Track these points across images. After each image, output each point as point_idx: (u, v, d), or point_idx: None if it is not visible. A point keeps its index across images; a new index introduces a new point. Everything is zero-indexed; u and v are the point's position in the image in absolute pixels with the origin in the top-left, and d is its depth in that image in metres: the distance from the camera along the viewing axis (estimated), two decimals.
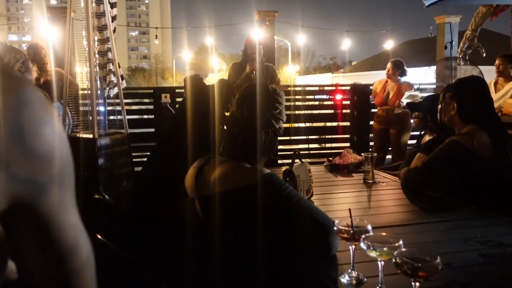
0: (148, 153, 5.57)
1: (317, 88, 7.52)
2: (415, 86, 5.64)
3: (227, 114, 2.07)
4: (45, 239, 0.52)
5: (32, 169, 0.46)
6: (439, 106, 2.23)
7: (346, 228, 1.18)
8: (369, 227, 1.18)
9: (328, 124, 6.61)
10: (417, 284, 0.94)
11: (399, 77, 4.99)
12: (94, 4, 3.92)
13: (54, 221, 0.52)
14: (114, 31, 4.34)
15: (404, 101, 4.81)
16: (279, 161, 4.73)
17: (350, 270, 1.19)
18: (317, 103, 6.68)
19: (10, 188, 0.45)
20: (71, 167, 0.53)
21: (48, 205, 0.50)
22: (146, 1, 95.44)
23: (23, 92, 0.45)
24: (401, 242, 1.04)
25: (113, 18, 4.37)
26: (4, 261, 0.52)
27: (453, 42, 6.67)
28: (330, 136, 6.55)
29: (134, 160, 4.38)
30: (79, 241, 0.56)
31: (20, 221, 0.49)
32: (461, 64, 6.65)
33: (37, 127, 0.46)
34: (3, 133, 0.43)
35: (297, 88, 6.67)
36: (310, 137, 6.25)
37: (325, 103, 6.49)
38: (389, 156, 5.35)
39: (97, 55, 4.09)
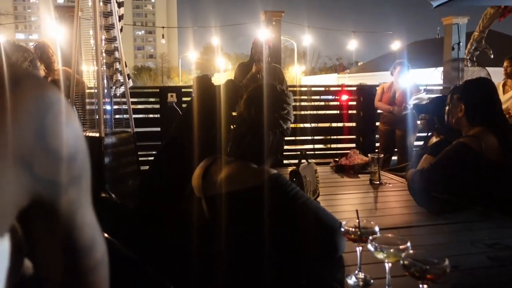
0: (154, 152, 5.62)
1: (323, 89, 7.50)
2: (422, 88, 5.62)
3: (234, 114, 2.08)
4: (63, 237, 0.54)
5: (53, 170, 0.48)
6: (447, 108, 2.22)
7: (353, 229, 1.17)
8: (377, 229, 1.17)
9: (334, 124, 6.60)
10: (425, 286, 0.93)
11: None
12: (101, 3, 3.93)
13: (72, 220, 0.53)
14: (121, 30, 4.36)
15: (411, 103, 4.80)
16: (285, 161, 4.73)
17: (357, 272, 1.19)
18: (322, 103, 6.67)
19: (31, 187, 0.46)
20: (88, 166, 0.54)
21: (67, 204, 0.51)
22: (153, 1, 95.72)
23: (46, 94, 0.47)
24: (408, 244, 1.03)
25: (120, 17, 4.38)
26: (21, 258, 0.53)
27: (461, 43, 6.64)
28: (336, 137, 6.54)
29: (139, 159, 4.39)
30: (95, 239, 0.58)
31: (38, 220, 0.51)
32: (469, 65, 6.61)
33: (59, 128, 0.47)
34: (27, 134, 0.44)
35: (303, 89, 6.66)
36: (316, 137, 6.24)
37: (331, 103, 6.48)
38: (394, 157, 5.33)
39: (104, 54, 4.10)
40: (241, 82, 3.89)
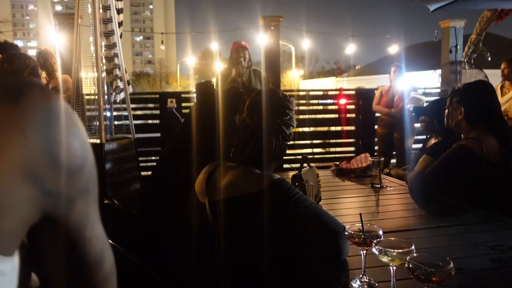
0: (154, 158, 5.62)
1: (321, 93, 7.53)
2: (420, 91, 5.65)
3: (236, 119, 2.09)
4: (72, 251, 0.52)
5: (62, 183, 0.46)
6: (446, 111, 2.23)
7: (358, 233, 1.18)
8: (381, 232, 1.18)
9: (333, 128, 6.61)
10: None
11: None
12: (101, 10, 3.95)
13: (81, 233, 0.51)
14: (120, 36, 4.37)
15: (408, 103, 4.83)
16: (284, 166, 4.73)
17: (361, 275, 1.20)
18: (321, 107, 6.69)
19: (41, 202, 0.45)
20: (96, 178, 0.52)
21: (76, 217, 0.50)
22: (151, 7, 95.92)
23: (52, 105, 0.45)
24: (413, 247, 1.04)
25: (120, 24, 4.40)
26: (29, 273, 0.52)
27: (458, 46, 6.66)
28: (335, 141, 6.56)
29: (140, 165, 4.40)
30: (104, 252, 0.56)
31: (46, 234, 0.49)
32: (466, 68, 6.64)
33: (66, 141, 0.46)
34: (34, 147, 0.42)
35: (301, 93, 6.67)
36: (315, 141, 6.25)
37: (330, 107, 6.50)
38: (393, 160, 5.35)
39: (104, 61, 4.12)
40: (222, 87, 3.86)
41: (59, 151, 0.45)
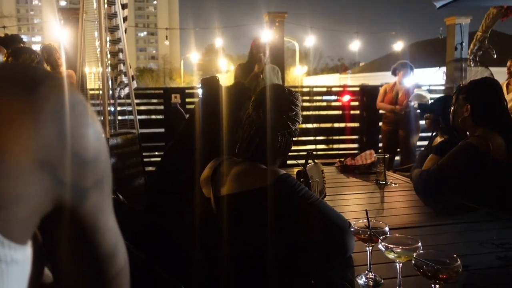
0: (158, 153, 5.63)
1: (325, 89, 7.51)
2: (425, 88, 5.62)
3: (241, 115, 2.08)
4: (85, 244, 0.51)
5: (77, 174, 0.46)
6: (452, 108, 2.22)
7: (364, 229, 1.18)
8: (387, 229, 1.18)
9: (336, 125, 6.60)
10: (437, 286, 0.93)
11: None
12: (106, 5, 3.95)
13: (94, 225, 0.51)
14: (125, 31, 4.38)
15: (412, 100, 4.80)
16: (288, 162, 4.73)
17: (367, 272, 1.19)
18: (324, 104, 6.68)
19: (55, 192, 0.45)
20: (110, 170, 0.52)
21: (89, 209, 0.49)
22: (155, 2, 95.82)
23: (68, 96, 0.45)
24: (419, 244, 1.04)
25: (124, 19, 4.40)
26: (42, 266, 0.51)
27: (463, 44, 6.63)
28: (338, 137, 6.55)
29: (144, 160, 4.40)
30: (117, 245, 0.55)
31: (59, 226, 0.49)
32: (472, 65, 6.60)
33: (81, 131, 0.46)
34: (49, 137, 0.43)
35: (304, 89, 6.66)
36: (319, 137, 6.24)
37: (333, 104, 6.49)
38: (397, 158, 5.33)
39: (108, 56, 4.12)
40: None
41: (73, 142, 0.45)
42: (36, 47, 4.16)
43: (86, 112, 0.47)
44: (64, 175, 0.45)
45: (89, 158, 0.47)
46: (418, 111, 4.65)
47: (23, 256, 0.44)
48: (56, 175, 0.44)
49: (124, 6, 4.41)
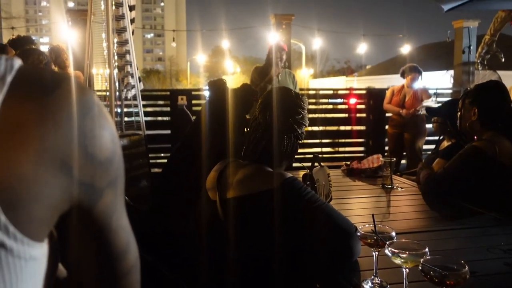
0: (164, 155, 5.64)
1: (331, 92, 7.50)
2: (432, 91, 5.59)
3: (247, 117, 2.08)
4: (99, 242, 0.53)
5: (93, 173, 0.48)
6: (459, 113, 2.20)
7: (370, 234, 1.17)
8: (393, 234, 1.17)
9: (342, 128, 6.58)
10: None
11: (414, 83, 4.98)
12: (113, 7, 3.97)
13: (108, 224, 0.53)
14: (132, 33, 4.40)
15: (420, 110, 4.80)
16: (294, 164, 4.72)
17: (373, 277, 1.19)
18: (331, 106, 6.66)
19: (71, 192, 0.46)
20: (123, 170, 0.54)
21: (103, 208, 0.51)
22: (162, 4, 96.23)
23: (85, 98, 0.47)
24: (426, 249, 1.03)
25: (132, 21, 4.42)
26: (57, 262, 0.53)
27: (471, 47, 6.60)
28: (344, 140, 6.53)
29: (150, 161, 4.41)
30: (129, 244, 0.57)
31: (74, 224, 0.51)
32: (479, 69, 6.57)
33: (97, 133, 0.47)
34: (67, 138, 0.44)
35: (311, 92, 6.65)
36: (325, 140, 6.23)
37: (340, 107, 6.48)
38: (403, 161, 5.31)
39: (116, 57, 4.14)
40: (258, 86, 3.95)
41: (90, 143, 0.46)
42: (44, 48, 4.18)
43: (102, 114, 0.49)
44: (80, 175, 0.46)
45: (104, 158, 0.49)
46: (425, 113, 4.65)
47: (40, 253, 0.45)
48: (73, 175, 0.45)
49: (131, 8, 4.43)
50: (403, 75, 5.05)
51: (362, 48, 8.29)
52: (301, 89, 7.03)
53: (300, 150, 1.57)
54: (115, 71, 4.16)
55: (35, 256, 0.44)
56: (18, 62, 0.45)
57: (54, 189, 0.44)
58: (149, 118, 5.67)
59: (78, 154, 0.45)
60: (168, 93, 5.96)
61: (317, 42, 9.34)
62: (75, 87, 0.46)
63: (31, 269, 0.44)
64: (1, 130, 0.41)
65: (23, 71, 0.45)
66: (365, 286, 1.18)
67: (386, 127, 5.46)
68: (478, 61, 6.61)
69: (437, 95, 5.97)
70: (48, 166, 0.43)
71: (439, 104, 4.57)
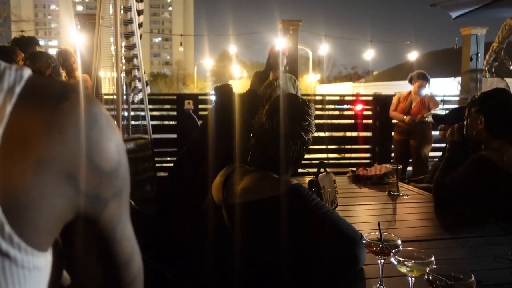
0: (170, 159, 5.65)
1: (337, 98, 7.49)
2: (439, 98, 5.57)
3: (254, 123, 2.09)
4: (103, 252, 0.54)
5: (98, 186, 0.48)
6: (465, 122, 2.19)
7: (376, 242, 1.16)
8: (399, 242, 1.16)
9: (348, 134, 6.56)
10: None
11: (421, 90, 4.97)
12: (122, 12, 4.00)
13: (112, 235, 0.53)
14: (140, 37, 4.42)
15: (427, 117, 4.78)
16: (300, 170, 4.71)
17: (378, 285, 1.18)
18: (337, 112, 6.65)
19: (76, 202, 0.46)
20: (128, 181, 0.54)
21: (108, 218, 0.51)
22: (170, 9, 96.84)
23: (91, 109, 0.47)
24: (433, 258, 1.02)
25: (140, 25, 4.45)
26: (61, 270, 0.53)
27: (479, 54, 6.57)
28: (351, 146, 6.51)
29: (156, 165, 4.42)
30: (133, 254, 0.57)
31: (78, 234, 0.51)
32: (487, 76, 6.53)
33: (103, 144, 0.48)
34: (73, 149, 0.44)
35: (317, 98, 6.64)
36: (331, 146, 6.21)
37: (346, 113, 6.46)
38: (409, 168, 5.29)
39: (123, 61, 4.17)
40: (258, 90, 3.95)
41: (96, 154, 0.47)
42: (53, 51, 4.22)
43: (109, 126, 0.49)
44: (86, 187, 0.46)
45: (110, 170, 0.49)
46: (431, 121, 4.63)
47: (44, 262, 0.46)
48: (79, 186, 0.46)
49: (139, 13, 4.46)
50: (411, 81, 5.04)
51: (369, 54, 8.29)
52: (307, 95, 7.03)
53: (306, 156, 1.57)
54: (123, 74, 4.19)
55: (39, 265, 0.45)
56: (27, 72, 0.45)
57: (59, 200, 0.44)
58: (155, 122, 5.69)
59: (85, 165, 0.46)
60: (175, 97, 5.99)
61: (324, 48, 9.33)
62: (83, 98, 0.47)
63: (34, 278, 0.44)
64: (8, 141, 0.41)
65: (32, 81, 0.45)
66: None
67: (392, 133, 5.44)
68: (486, 69, 6.58)
69: (444, 102, 5.95)
70: (53, 177, 0.43)
71: (446, 112, 4.56)
